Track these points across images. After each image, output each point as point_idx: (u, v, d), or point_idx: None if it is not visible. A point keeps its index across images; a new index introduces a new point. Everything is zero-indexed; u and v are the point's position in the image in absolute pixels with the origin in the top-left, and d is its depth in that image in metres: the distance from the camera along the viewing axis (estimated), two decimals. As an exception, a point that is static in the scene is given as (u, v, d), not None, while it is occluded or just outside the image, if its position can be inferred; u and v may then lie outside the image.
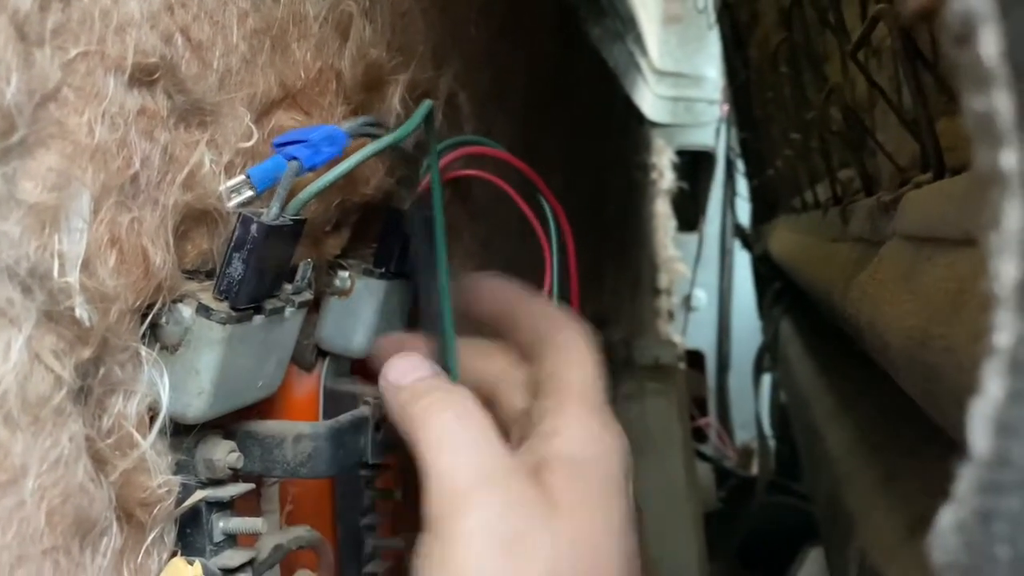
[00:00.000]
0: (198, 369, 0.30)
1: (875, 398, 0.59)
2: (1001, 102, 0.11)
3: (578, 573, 0.31)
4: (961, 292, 0.27)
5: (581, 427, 0.35)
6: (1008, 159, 0.12)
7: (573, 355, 0.38)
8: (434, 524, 0.31)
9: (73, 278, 0.24)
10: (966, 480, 0.13)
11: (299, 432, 0.34)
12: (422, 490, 0.33)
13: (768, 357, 1.70)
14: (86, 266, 0.25)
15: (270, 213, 0.31)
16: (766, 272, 1.65)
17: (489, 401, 0.37)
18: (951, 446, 0.14)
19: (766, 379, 1.97)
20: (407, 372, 0.36)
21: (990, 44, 0.12)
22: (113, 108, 0.26)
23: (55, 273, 0.24)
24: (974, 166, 0.12)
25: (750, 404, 2.15)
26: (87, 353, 0.25)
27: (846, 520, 0.50)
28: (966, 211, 0.28)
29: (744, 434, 2.73)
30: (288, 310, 0.34)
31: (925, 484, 0.43)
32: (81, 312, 0.25)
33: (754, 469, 2.34)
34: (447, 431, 0.33)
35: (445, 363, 0.41)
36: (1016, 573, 0.12)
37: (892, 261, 0.38)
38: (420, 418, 0.34)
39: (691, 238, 2.91)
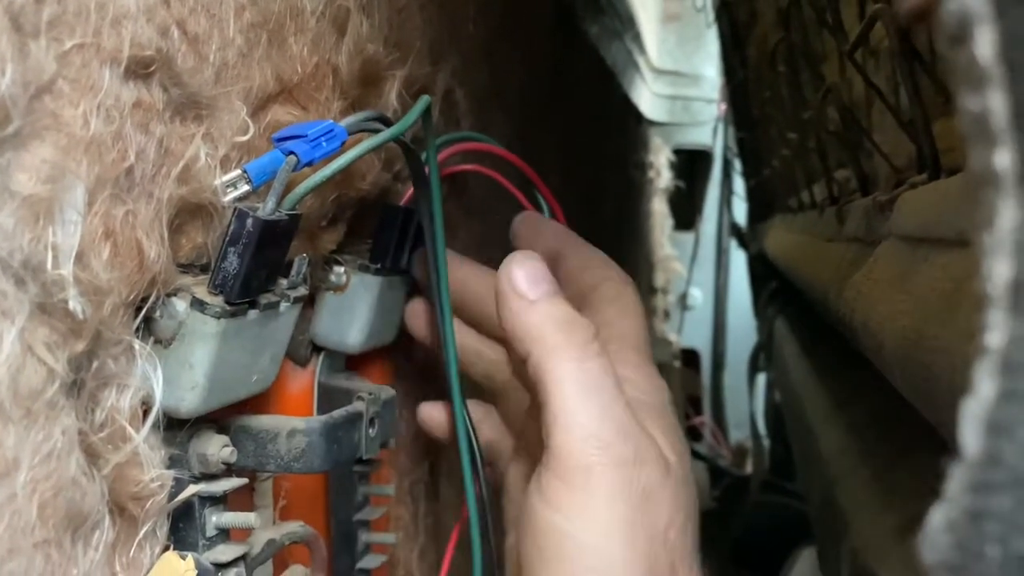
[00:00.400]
0: (192, 363, 0.30)
1: (869, 398, 0.59)
2: (996, 102, 0.12)
3: (687, 512, 0.34)
4: (956, 292, 0.27)
5: (644, 375, 0.37)
6: (1002, 159, 0.12)
7: (624, 305, 0.40)
8: (569, 473, 0.32)
9: (67, 270, 0.24)
10: (957, 480, 0.13)
11: (293, 427, 0.34)
12: (543, 425, 0.33)
13: (763, 356, 1.70)
14: (80, 259, 0.25)
15: (266, 208, 0.31)
16: (762, 271, 1.65)
17: None
18: (944, 446, 0.14)
19: (761, 378, 1.97)
20: (536, 282, 0.35)
21: (985, 44, 0.12)
22: (108, 101, 0.26)
23: (49, 265, 0.24)
24: (968, 166, 0.12)
25: (745, 403, 2.15)
26: (80, 346, 0.25)
27: (839, 520, 0.50)
28: (961, 211, 0.28)
29: (738, 433, 2.73)
30: (283, 305, 0.34)
31: (918, 484, 0.43)
32: (75, 305, 0.24)
33: (748, 468, 2.35)
34: (592, 379, 0.33)
35: (446, 355, 0.41)
36: (1006, 573, 0.12)
37: (887, 261, 0.38)
38: (559, 356, 0.33)
39: (687, 237, 2.92)
